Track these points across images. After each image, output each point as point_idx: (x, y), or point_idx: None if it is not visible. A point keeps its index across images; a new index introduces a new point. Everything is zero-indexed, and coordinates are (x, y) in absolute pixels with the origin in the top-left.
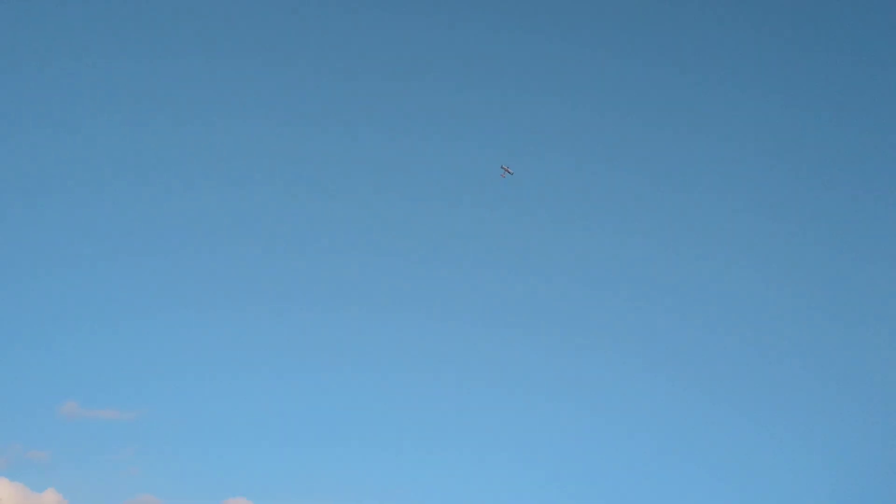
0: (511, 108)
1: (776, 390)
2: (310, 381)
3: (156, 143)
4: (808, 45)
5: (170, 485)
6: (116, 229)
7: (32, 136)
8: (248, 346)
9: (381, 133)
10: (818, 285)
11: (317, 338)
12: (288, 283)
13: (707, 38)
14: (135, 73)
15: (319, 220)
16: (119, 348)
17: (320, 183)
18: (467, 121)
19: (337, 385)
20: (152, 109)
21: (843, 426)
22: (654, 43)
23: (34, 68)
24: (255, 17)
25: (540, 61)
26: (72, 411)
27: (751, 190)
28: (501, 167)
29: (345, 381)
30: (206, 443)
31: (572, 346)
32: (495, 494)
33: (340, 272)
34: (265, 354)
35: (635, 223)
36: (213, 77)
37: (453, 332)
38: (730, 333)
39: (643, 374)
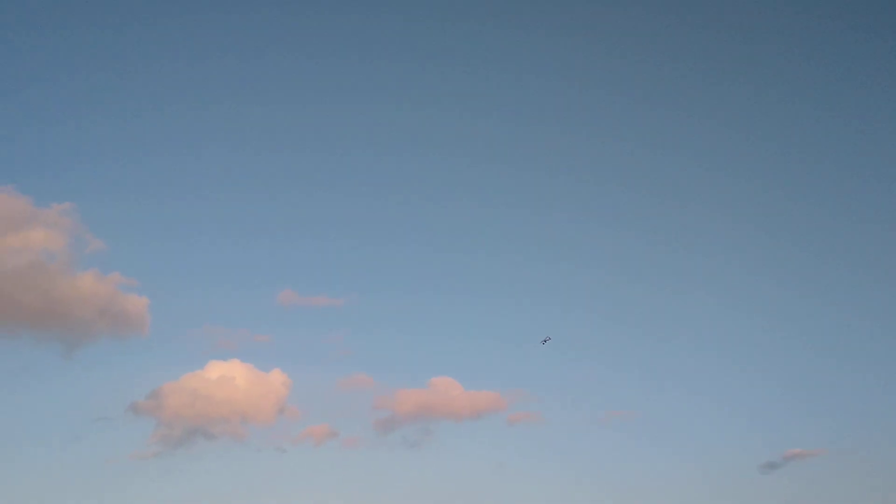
0: None
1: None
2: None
3: None
4: None
5: (380, 365)
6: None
7: None
8: (450, 233)
9: None
10: None
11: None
12: None
13: None
14: None
15: None
16: (329, 240)
17: None
18: None
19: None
20: None
21: None
22: None
23: None
24: None
25: None
26: (289, 298)
27: None
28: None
29: None
30: (413, 326)
31: None
32: None
33: None
34: (463, 242)
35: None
36: None
37: None
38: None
39: None
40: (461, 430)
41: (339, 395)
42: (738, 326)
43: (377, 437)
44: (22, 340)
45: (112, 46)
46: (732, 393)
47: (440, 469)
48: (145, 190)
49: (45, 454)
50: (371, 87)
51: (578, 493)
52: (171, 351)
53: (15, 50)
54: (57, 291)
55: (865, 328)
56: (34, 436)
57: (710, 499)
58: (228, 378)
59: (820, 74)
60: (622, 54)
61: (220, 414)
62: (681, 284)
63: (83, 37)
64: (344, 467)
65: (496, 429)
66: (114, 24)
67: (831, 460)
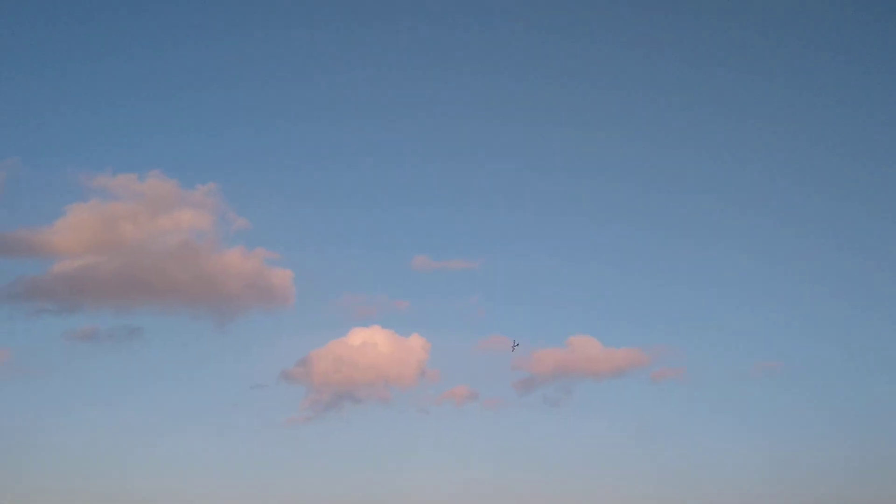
0: None
1: None
2: None
3: None
4: None
5: (517, 325)
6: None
7: None
8: (582, 192)
9: None
10: None
11: None
12: None
13: None
14: None
15: None
16: (460, 204)
17: None
18: None
19: None
20: None
21: None
22: None
23: None
24: None
25: None
26: (423, 264)
27: None
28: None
29: None
30: (549, 286)
31: None
32: None
33: None
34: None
35: None
36: None
37: None
38: None
39: None
40: (602, 389)
41: (478, 357)
42: None
43: (517, 398)
44: (179, 317)
45: (248, 24)
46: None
47: (581, 428)
48: (283, 167)
49: (207, 422)
50: (500, 54)
51: (728, 451)
52: (315, 320)
53: (151, 35)
54: (207, 269)
55: None
56: (196, 405)
57: (870, 457)
58: (370, 344)
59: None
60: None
61: (364, 378)
62: (839, 230)
63: (220, 16)
64: (485, 428)
65: (638, 386)
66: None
67: None
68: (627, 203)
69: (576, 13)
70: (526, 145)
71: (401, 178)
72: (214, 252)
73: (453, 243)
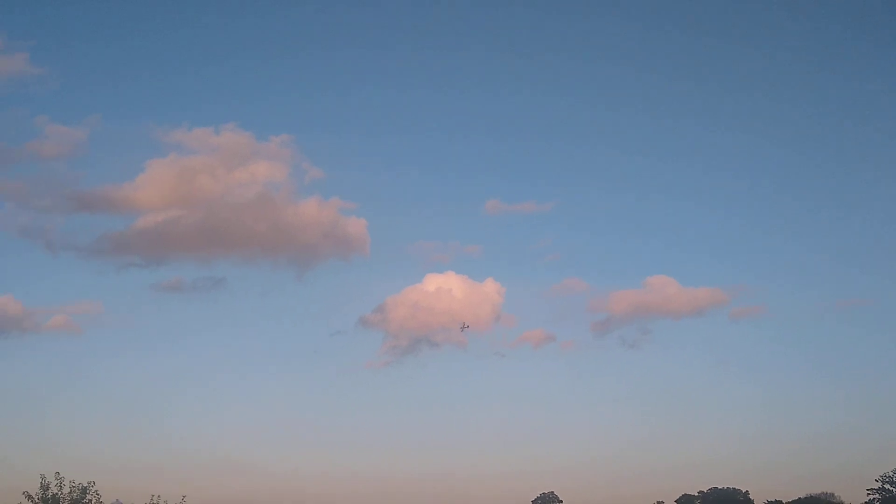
0: None
1: None
2: None
3: None
4: None
5: (592, 267)
6: None
7: None
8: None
9: None
10: None
11: None
12: None
13: None
14: None
15: None
16: (531, 145)
17: None
18: None
19: None
20: None
21: None
22: None
23: None
24: None
25: None
26: (495, 207)
27: None
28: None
29: None
30: (624, 226)
31: None
32: None
33: None
34: None
35: None
36: None
37: None
38: None
39: None
40: (680, 328)
41: (553, 299)
42: None
43: (594, 339)
44: (259, 267)
45: None
46: None
47: (660, 368)
48: (354, 118)
49: (290, 367)
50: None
51: (809, 389)
52: (390, 267)
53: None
54: (284, 219)
55: None
56: (280, 351)
57: None
58: (445, 289)
59: None
60: None
61: (440, 323)
62: None
63: None
64: (562, 369)
65: (717, 325)
66: None
67: None
68: (703, 141)
69: None
70: (598, 85)
71: (470, 121)
72: (290, 203)
73: (525, 186)
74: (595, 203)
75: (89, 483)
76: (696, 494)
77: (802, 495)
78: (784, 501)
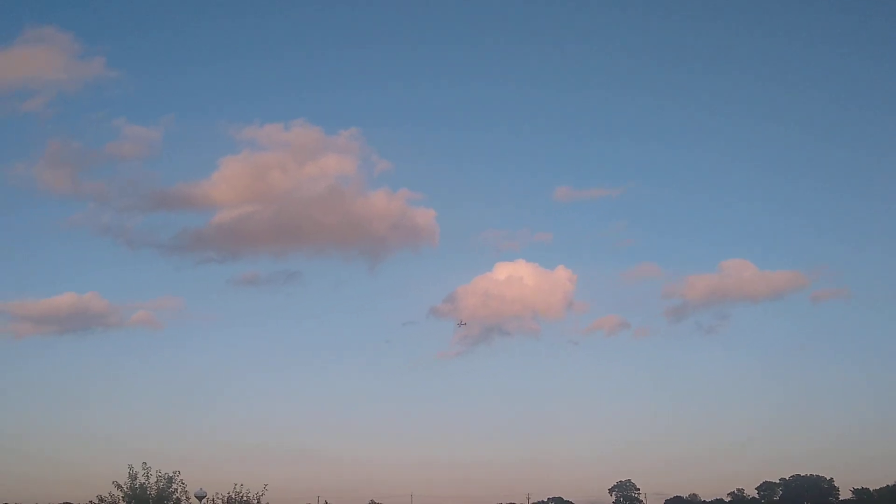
0: None
1: None
2: None
3: None
4: None
5: (666, 252)
6: None
7: None
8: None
9: None
10: None
11: None
12: None
13: None
14: None
15: None
16: (598, 129)
17: None
18: None
19: None
20: None
21: None
22: None
23: None
24: None
25: None
26: (565, 194)
27: None
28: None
29: None
30: (698, 209)
31: None
32: None
33: None
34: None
35: None
36: None
37: None
38: None
39: None
40: (759, 312)
41: (626, 285)
42: None
43: (669, 326)
44: (332, 260)
45: None
46: None
47: (738, 354)
48: (421, 110)
49: (364, 357)
50: None
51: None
52: (460, 256)
53: None
54: (354, 211)
55: None
56: (354, 342)
57: None
58: (516, 278)
59: None
60: None
61: (512, 312)
62: None
63: None
64: (637, 356)
65: (798, 308)
66: None
67: None
68: (780, 113)
69: None
70: (665, 74)
71: (538, 107)
72: (360, 195)
73: (595, 171)
74: (667, 186)
75: (174, 473)
76: (778, 482)
77: (891, 483)
78: (871, 489)
